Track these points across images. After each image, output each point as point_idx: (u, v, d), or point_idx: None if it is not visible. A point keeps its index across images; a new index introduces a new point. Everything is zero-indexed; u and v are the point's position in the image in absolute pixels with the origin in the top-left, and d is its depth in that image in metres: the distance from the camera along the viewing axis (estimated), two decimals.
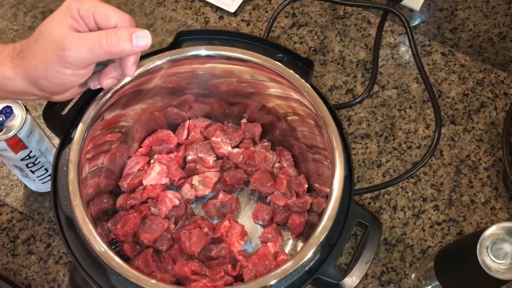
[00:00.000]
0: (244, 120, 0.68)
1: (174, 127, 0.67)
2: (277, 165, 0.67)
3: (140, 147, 0.66)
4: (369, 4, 0.85)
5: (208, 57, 0.55)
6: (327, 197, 0.49)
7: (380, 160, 0.75)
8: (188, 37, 0.57)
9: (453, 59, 0.82)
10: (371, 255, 0.46)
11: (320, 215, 0.47)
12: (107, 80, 0.50)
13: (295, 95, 0.56)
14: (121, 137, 0.61)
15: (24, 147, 0.60)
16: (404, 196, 0.73)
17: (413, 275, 0.67)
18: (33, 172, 0.64)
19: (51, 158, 0.65)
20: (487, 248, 0.51)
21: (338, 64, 0.82)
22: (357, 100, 0.76)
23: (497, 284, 0.52)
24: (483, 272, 0.50)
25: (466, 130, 0.77)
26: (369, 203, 0.72)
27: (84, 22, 0.46)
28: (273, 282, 0.44)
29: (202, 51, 0.54)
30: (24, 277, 0.66)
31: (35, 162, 0.63)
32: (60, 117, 0.52)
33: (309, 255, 0.44)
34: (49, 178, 0.67)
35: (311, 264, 0.45)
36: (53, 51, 0.45)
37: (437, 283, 0.59)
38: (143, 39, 0.46)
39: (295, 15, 0.85)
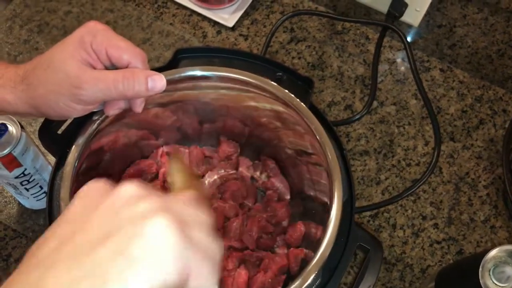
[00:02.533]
0: (223, 138, 0.67)
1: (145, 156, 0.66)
2: (263, 176, 0.67)
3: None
4: (368, 20, 0.84)
5: (204, 77, 0.54)
6: (326, 209, 0.48)
7: (379, 178, 0.74)
8: (186, 55, 0.56)
9: (451, 75, 0.82)
10: (373, 279, 0.45)
11: (319, 239, 0.47)
12: (114, 111, 0.49)
13: (295, 117, 0.55)
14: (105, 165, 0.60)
15: (19, 165, 0.59)
16: (403, 214, 0.72)
17: None
18: (27, 189, 0.63)
19: (46, 175, 0.64)
20: (489, 271, 0.51)
21: (336, 79, 0.81)
22: (357, 117, 0.75)
23: None
24: None
25: (465, 147, 0.77)
26: (368, 221, 0.71)
27: (97, 56, 0.46)
28: None
29: (198, 72, 0.54)
30: None
31: (30, 180, 0.62)
32: (56, 136, 0.51)
33: (310, 280, 0.43)
34: (43, 195, 0.66)
35: None
36: (67, 87, 0.45)
37: None
38: (158, 83, 0.46)
39: (293, 30, 0.85)
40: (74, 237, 0.29)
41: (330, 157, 0.48)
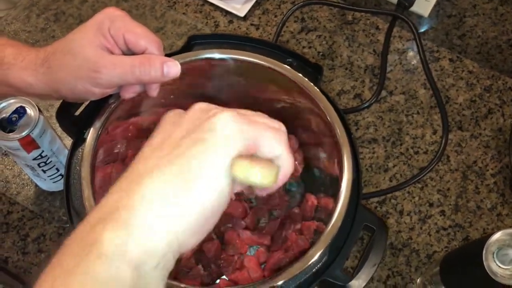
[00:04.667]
0: None
1: None
2: None
3: None
4: (378, 10, 0.85)
5: (220, 60, 0.56)
6: (334, 196, 0.49)
7: (387, 165, 0.75)
8: (199, 41, 0.58)
9: (461, 66, 0.83)
10: (377, 258, 0.46)
11: (328, 217, 0.48)
12: (129, 94, 0.51)
13: (304, 100, 0.56)
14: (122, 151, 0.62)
15: (37, 146, 0.61)
16: (411, 201, 0.73)
17: (418, 280, 0.67)
18: (44, 171, 0.65)
19: (62, 158, 0.66)
20: (493, 253, 0.52)
21: (346, 69, 0.82)
22: (365, 105, 0.76)
23: None
24: (489, 277, 0.51)
25: (473, 136, 0.77)
26: (376, 207, 0.73)
27: (114, 41, 0.48)
28: (279, 283, 0.45)
29: (215, 54, 0.55)
30: (34, 275, 0.67)
31: (47, 162, 0.64)
32: (73, 118, 0.53)
33: (316, 257, 0.45)
34: (60, 177, 0.68)
35: (318, 266, 0.45)
36: (86, 71, 0.47)
37: (443, 287, 0.60)
38: (173, 69, 0.48)
39: (304, 20, 0.86)
40: (167, 139, 0.37)
41: (339, 133, 0.50)
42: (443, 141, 0.70)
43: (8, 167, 0.74)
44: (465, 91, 0.81)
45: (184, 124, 0.38)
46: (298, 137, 0.65)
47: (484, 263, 0.51)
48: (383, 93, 0.80)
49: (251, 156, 0.37)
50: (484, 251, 0.51)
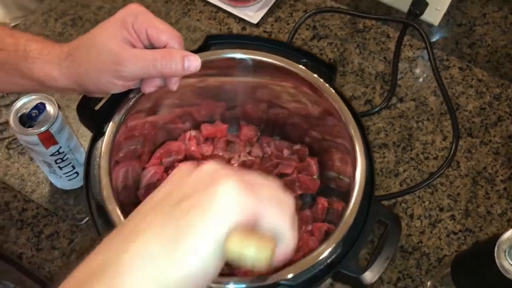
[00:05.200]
0: (243, 122, 0.70)
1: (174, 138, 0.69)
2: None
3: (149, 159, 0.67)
4: (389, 18, 0.87)
5: (237, 59, 0.57)
6: (345, 200, 0.50)
7: (398, 170, 0.76)
8: (216, 41, 0.59)
9: (470, 74, 0.84)
10: (391, 252, 0.47)
11: (339, 219, 0.49)
12: (150, 88, 0.52)
13: (319, 99, 0.58)
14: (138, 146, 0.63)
15: (55, 142, 0.62)
16: (421, 205, 0.74)
17: (429, 283, 0.68)
18: (60, 168, 0.66)
19: (78, 155, 0.68)
20: (505, 252, 0.52)
21: (357, 75, 0.84)
22: (376, 110, 0.77)
23: None
24: (501, 275, 0.51)
25: (483, 143, 0.78)
26: None
27: (137, 36, 0.49)
28: (291, 275, 0.45)
29: (233, 54, 0.57)
30: (48, 271, 0.67)
31: (64, 158, 0.65)
32: (93, 112, 0.54)
33: (330, 249, 0.45)
34: (75, 175, 0.69)
35: (332, 258, 0.46)
36: (109, 64, 0.48)
37: None
38: (194, 63, 0.50)
39: (315, 28, 0.88)
40: (168, 196, 0.36)
41: (352, 132, 0.51)
42: (453, 146, 0.70)
43: (23, 165, 0.75)
44: (475, 99, 0.82)
45: (190, 183, 0.36)
46: (312, 139, 0.66)
47: (496, 261, 0.51)
48: (394, 99, 0.81)
49: (251, 230, 0.35)
50: (496, 249, 0.52)
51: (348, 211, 0.47)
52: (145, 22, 0.49)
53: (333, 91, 0.55)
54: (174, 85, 0.52)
